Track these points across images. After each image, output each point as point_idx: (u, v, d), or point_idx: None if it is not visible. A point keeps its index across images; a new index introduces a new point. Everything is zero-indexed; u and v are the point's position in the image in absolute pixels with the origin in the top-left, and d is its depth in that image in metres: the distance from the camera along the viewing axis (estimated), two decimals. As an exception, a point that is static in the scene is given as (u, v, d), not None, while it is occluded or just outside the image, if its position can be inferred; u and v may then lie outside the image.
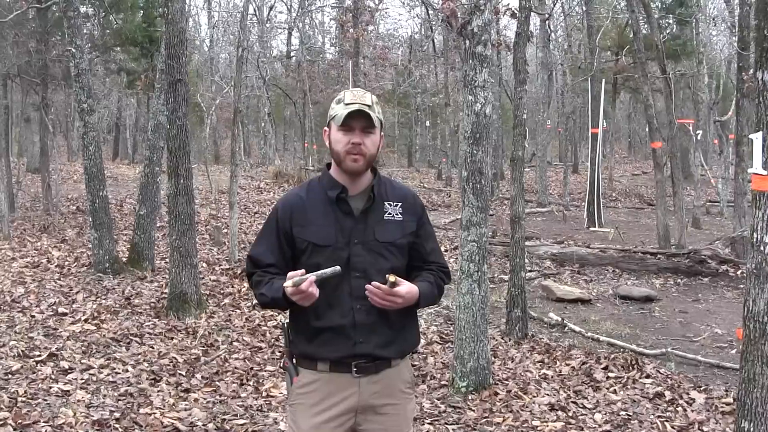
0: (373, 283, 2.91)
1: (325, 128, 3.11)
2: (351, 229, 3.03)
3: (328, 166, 3.15)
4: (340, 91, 3.15)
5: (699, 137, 22.60)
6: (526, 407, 6.06)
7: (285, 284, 2.87)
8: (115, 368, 6.76)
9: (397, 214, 3.11)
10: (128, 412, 5.71)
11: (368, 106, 2.98)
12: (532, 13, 11.10)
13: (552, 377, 6.85)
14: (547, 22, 23.33)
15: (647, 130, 18.82)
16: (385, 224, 3.08)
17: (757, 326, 4.11)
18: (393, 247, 3.08)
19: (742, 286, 9.54)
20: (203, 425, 5.60)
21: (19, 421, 5.40)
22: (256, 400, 6.18)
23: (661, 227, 13.88)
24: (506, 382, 6.66)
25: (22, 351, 7.00)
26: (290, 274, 2.89)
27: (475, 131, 6.39)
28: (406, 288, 2.96)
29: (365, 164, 3.02)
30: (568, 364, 7.21)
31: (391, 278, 2.86)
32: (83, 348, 7.30)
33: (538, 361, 7.36)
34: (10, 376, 6.37)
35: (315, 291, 2.86)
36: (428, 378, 6.85)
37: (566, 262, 12.55)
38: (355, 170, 3.01)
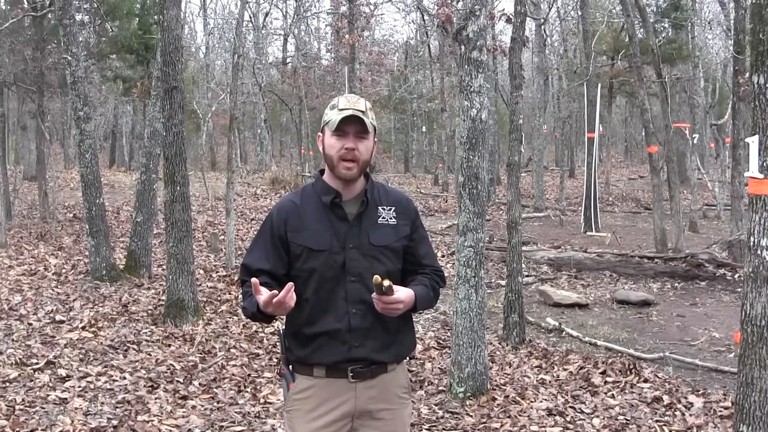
0: (373, 296, 2.91)
1: (319, 133, 3.12)
2: (345, 233, 3.04)
3: (322, 172, 3.15)
4: (336, 96, 3.15)
5: (695, 141, 22.63)
6: (524, 412, 6.06)
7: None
8: (112, 375, 6.76)
9: (391, 218, 3.11)
10: (126, 420, 5.71)
11: (362, 111, 2.99)
12: (528, 18, 11.11)
13: (550, 382, 6.85)
14: (542, 26, 23.37)
15: (643, 134, 18.84)
16: (380, 228, 3.08)
17: (755, 330, 4.11)
18: (388, 251, 3.08)
19: (739, 289, 9.57)
20: (201, 432, 5.60)
21: (17, 429, 5.39)
22: (254, 406, 6.17)
23: (658, 231, 13.89)
24: (504, 387, 6.65)
25: (20, 359, 6.99)
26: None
27: (471, 136, 6.39)
28: (404, 293, 2.96)
29: (358, 170, 3.02)
30: (565, 369, 7.21)
31: (386, 283, 2.83)
32: (81, 355, 7.29)
33: (536, 366, 7.36)
34: (7, 384, 6.37)
35: (290, 300, 2.85)
36: (426, 384, 6.84)
37: (563, 266, 12.55)
38: (349, 177, 3.02)
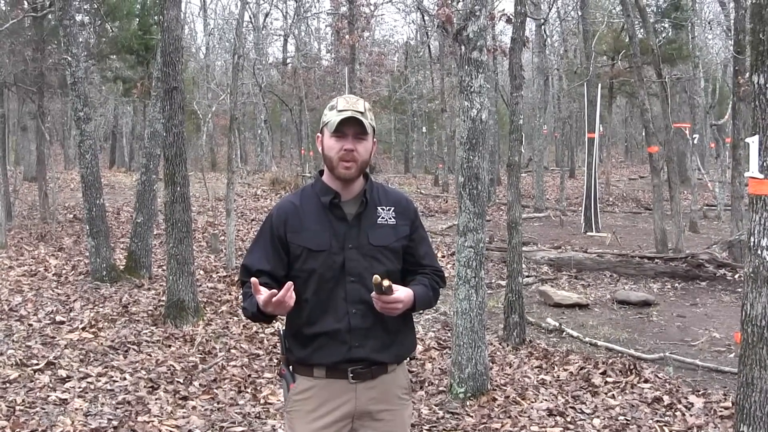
0: (372, 295, 2.91)
1: (318, 134, 3.12)
2: (345, 233, 3.04)
3: (321, 172, 3.16)
4: (335, 97, 3.16)
5: (695, 141, 22.63)
6: (525, 413, 6.06)
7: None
8: (112, 376, 6.75)
9: (390, 219, 3.12)
10: (126, 421, 5.70)
11: (361, 112, 2.99)
12: (528, 18, 11.11)
13: (550, 382, 6.84)
14: (542, 27, 23.37)
15: (643, 134, 18.84)
16: (379, 228, 3.09)
17: (755, 330, 4.11)
18: (387, 251, 3.08)
19: (739, 289, 9.56)
20: (201, 433, 5.60)
21: (18, 429, 5.39)
22: (254, 407, 6.17)
23: (658, 231, 13.89)
24: (504, 387, 6.65)
25: (20, 360, 6.99)
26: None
27: (471, 137, 6.39)
28: (403, 293, 2.97)
29: (357, 171, 3.03)
30: (566, 369, 7.21)
31: (385, 282, 2.84)
32: (81, 356, 7.29)
33: (536, 367, 7.36)
34: (8, 384, 6.37)
35: (289, 300, 2.85)
36: (426, 384, 6.84)
37: (563, 267, 12.55)
38: (348, 177, 3.02)
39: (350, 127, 2.98)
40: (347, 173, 3.01)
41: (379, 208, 3.11)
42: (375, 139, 3.11)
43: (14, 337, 7.77)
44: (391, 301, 2.91)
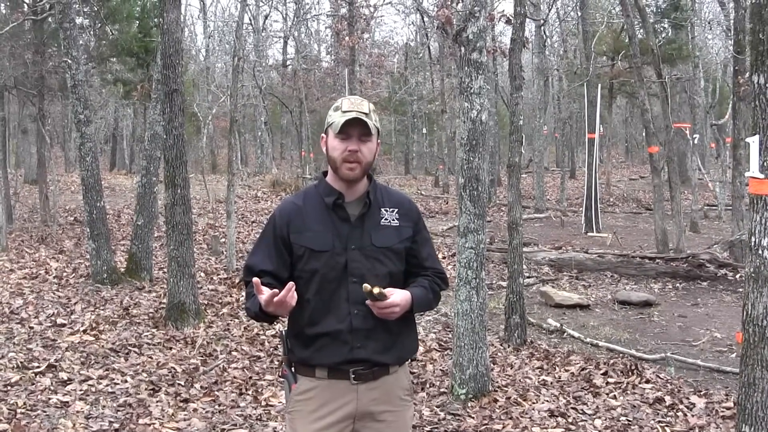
0: (367, 302, 2.92)
1: (323, 135, 3.13)
2: (348, 234, 3.04)
3: (325, 173, 3.16)
4: (337, 99, 3.16)
5: (696, 141, 22.61)
6: (526, 414, 6.05)
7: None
8: (113, 379, 6.75)
9: (393, 220, 3.12)
10: (127, 423, 5.71)
11: (365, 113, 2.99)
12: (528, 19, 11.11)
13: (551, 383, 6.84)
14: (542, 27, 23.36)
15: (644, 134, 18.83)
16: (382, 230, 3.09)
17: (757, 330, 4.10)
18: (390, 252, 3.09)
19: (741, 289, 9.55)
20: (202, 435, 5.59)
21: (18, 433, 5.39)
22: (255, 409, 6.17)
23: (659, 232, 13.88)
24: (505, 388, 6.65)
25: (21, 362, 6.99)
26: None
27: (471, 138, 6.39)
28: (400, 296, 2.97)
29: (361, 172, 3.03)
30: (567, 370, 7.20)
31: (375, 290, 2.84)
32: (82, 359, 7.29)
33: (537, 368, 7.35)
34: (9, 387, 6.37)
35: (291, 300, 2.85)
36: (427, 385, 6.84)
37: (564, 267, 12.54)
38: (352, 178, 3.03)
39: (355, 128, 2.99)
40: (351, 174, 3.01)
41: (382, 209, 3.12)
42: (379, 141, 3.12)
43: (15, 340, 7.77)
44: (386, 306, 2.92)
